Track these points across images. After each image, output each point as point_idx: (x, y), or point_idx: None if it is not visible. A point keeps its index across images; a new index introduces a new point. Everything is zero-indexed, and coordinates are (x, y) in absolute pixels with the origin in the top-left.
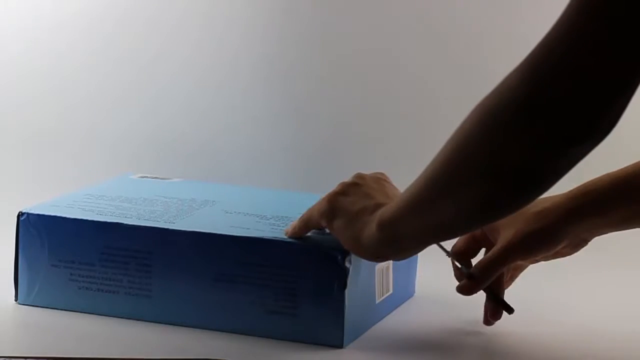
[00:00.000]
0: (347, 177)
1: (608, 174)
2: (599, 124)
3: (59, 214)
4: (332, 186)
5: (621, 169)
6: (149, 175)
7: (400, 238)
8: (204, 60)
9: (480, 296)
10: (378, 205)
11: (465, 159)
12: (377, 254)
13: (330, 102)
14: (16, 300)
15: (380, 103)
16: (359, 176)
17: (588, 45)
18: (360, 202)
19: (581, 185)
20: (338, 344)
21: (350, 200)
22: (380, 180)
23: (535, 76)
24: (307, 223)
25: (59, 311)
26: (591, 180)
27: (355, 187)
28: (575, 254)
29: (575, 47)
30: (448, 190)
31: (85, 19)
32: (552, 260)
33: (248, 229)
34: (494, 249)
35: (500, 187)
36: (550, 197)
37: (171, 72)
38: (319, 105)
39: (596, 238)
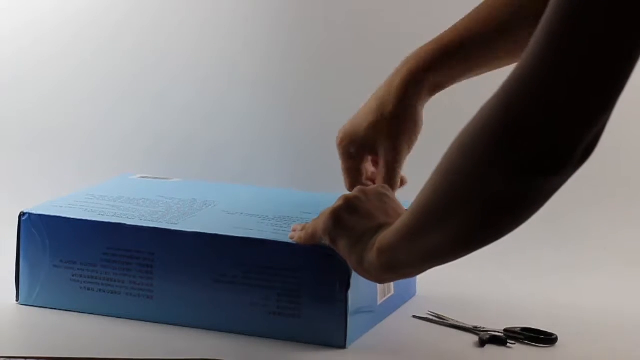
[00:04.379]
0: None
1: None
2: (571, 156)
3: (60, 214)
4: (333, 187)
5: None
6: (149, 176)
7: (398, 264)
8: (205, 61)
9: (480, 297)
10: (379, 227)
11: (447, 189)
12: (379, 279)
13: (333, 103)
14: (17, 300)
15: None
16: (362, 190)
17: (559, 79)
18: (363, 223)
19: None
20: (341, 345)
21: (354, 219)
22: (382, 196)
23: (508, 108)
24: (313, 237)
25: (60, 311)
26: None
27: (358, 203)
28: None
29: (546, 80)
30: (435, 220)
31: (87, 18)
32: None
33: (250, 229)
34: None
35: (479, 216)
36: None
37: (172, 73)
38: (321, 106)
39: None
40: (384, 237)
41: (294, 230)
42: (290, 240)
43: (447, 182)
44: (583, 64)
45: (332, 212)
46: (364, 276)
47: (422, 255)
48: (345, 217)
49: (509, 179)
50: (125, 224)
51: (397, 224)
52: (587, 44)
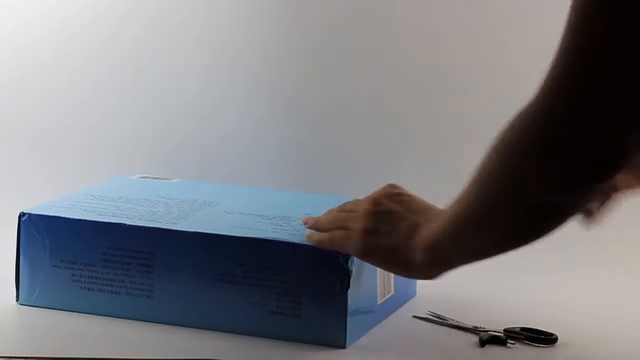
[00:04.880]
0: (348, 178)
1: None
2: (614, 160)
3: (60, 215)
4: (333, 186)
5: None
6: (149, 176)
7: (447, 260)
8: (205, 61)
9: (480, 297)
10: (411, 228)
11: (489, 195)
12: (431, 275)
13: (333, 103)
14: (17, 300)
15: (383, 104)
16: (376, 202)
17: (599, 84)
18: (394, 235)
19: None
20: (341, 345)
21: (383, 237)
22: (397, 196)
23: (550, 113)
24: (335, 246)
25: (60, 312)
26: None
27: (379, 217)
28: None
29: (584, 87)
30: (479, 224)
31: (87, 18)
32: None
33: (250, 229)
34: None
35: (522, 224)
36: None
37: (172, 73)
38: (321, 105)
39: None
40: (429, 235)
41: (306, 223)
42: (290, 240)
43: (488, 187)
44: (622, 65)
45: (360, 235)
46: (413, 277)
47: (470, 253)
48: (374, 239)
49: (549, 184)
50: (125, 224)
51: (441, 225)
52: (624, 43)
